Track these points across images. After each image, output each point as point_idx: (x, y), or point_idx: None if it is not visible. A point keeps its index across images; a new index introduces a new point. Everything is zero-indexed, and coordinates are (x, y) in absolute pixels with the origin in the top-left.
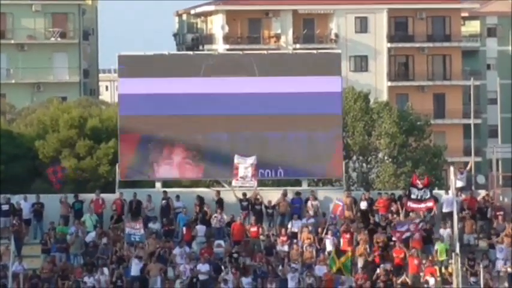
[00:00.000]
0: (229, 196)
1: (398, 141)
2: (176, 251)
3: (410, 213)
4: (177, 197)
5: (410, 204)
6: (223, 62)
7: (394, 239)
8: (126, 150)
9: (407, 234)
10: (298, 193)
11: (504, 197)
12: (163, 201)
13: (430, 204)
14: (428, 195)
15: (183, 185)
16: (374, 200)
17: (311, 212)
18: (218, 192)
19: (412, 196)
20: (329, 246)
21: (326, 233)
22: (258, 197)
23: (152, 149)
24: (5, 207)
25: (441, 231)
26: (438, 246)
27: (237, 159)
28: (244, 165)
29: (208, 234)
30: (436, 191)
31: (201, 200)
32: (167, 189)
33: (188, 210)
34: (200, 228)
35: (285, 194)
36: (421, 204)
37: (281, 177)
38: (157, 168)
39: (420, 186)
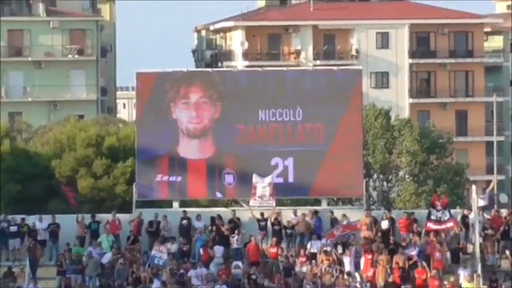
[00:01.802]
0: (246, 215)
1: (419, 159)
2: (191, 272)
3: (430, 234)
4: (198, 216)
5: (431, 225)
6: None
7: (413, 259)
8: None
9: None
10: (316, 212)
11: None
12: (184, 221)
13: (450, 224)
14: (448, 216)
15: (201, 205)
16: (395, 220)
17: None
18: (234, 211)
19: (432, 217)
20: (348, 266)
21: (342, 252)
22: (277, 216)
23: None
24: (14, 228)
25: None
26: (462, 273)
27: (255, 178)
28: (262, 185)
29: (225, 255)
30: (456, 210)
31: (218, 219)
32: (186, 209)
33: (208, 230)
34: (218, 249)
35: (304, 214)
36: (441, 226)
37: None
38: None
39: (439, 207)
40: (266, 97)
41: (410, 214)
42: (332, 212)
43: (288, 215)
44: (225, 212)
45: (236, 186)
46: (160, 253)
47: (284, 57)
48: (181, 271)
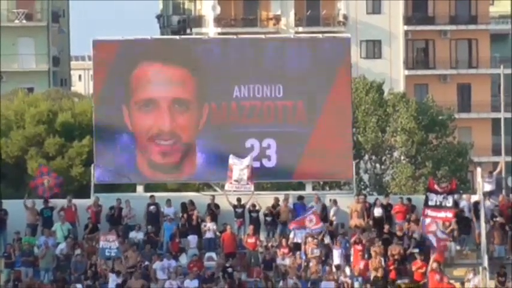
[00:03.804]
0: (221, 201)
1: (416, 138)
2: (156, 265)
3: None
4: (168, 201)
5: (428, 211)
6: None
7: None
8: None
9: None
10: (301, 197)
11: None
12: (152, 207)
13: (449, 215)
14: (450, 203)
15: (169, 188)
16: (390, 206)
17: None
18: (213, 197)
19: (430, 203)
20: (337, 259)
21: (331, 240)
22: (255, 203)
23: None
24: None
25: None
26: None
27: (231, 159)
28: (240, 167)
29: (198, 245)
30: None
31: (190, 206)
32: (154, 194)
33: (177, 217)
34: (192, 239)
35: (286, 199)
36: (440, 213)
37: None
38: None
39: (440, 190)
40: (241, 69)
41: (408, 200)
42: (319, 198)
43: (267, 201)
44: (196, 197)
45: (207, 168)
46: (109, 243)
47: (262, 23)
48: (146, 263)
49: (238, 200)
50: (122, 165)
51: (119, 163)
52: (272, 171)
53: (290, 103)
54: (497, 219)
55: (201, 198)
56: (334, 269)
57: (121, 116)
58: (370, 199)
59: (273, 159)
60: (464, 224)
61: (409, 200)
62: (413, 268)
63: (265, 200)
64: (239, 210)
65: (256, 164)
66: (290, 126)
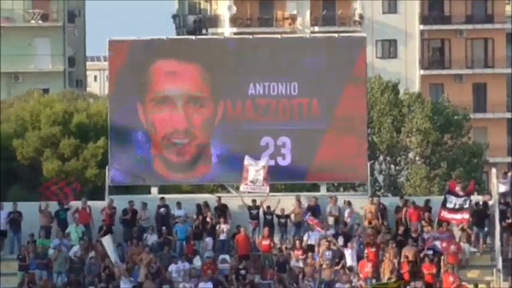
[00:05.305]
0: (235, 203)
1: (432, 138)
2: (172, 267)
3: (443, 224)
4: (178, 204)
5: (445, 214)
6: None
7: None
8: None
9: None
10: (315, 199)
11: None
12: (162, 209)
13: (466, 216)
14: (467, 205)
15: (183, 190)
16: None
17: (331, 221)
18: (219, 198)
19: (448, 205)
20: (349, 260)
21: (344, 244)
22: (270, 205)
23: None
24: None
25: None
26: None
27: (247, 160)
28: (255, 168)
29: (213, 247)
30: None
31: (205, 207)
32: (165, 195)
33: (189, 219)
34: (209, 241)
35: (298, 200)
36: (457, 215)
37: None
38: None
39: (461, 193)
40: (257, 69)
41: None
42: (336, 199)
43: (282, 202)
44: (211, 199)
45: (222, 168)
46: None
47: (278, 23)
48: (158, 265)
49: (254, 201)
50: (137, 166)
51: (134, 164)
52: (286, 170)
53: (305, 100)
54: (509, 220)
55: (215, 200)
56: (347, 271)
57: (136, 116)
58: (384, 200)
59: (288, 158)
60: (479, 217)
61: (428, 201)
62: (425, 271)
63: (283, 202)
64: (254, 211)
65: (271, 163)
66: (305, 124)
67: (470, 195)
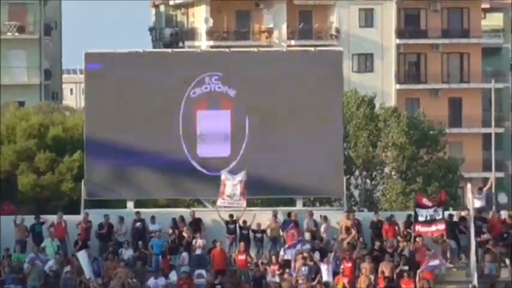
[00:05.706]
0: (211, 218)
1: (407, 153)
2: (150, 282)
3: (417, 239)
4: (152, 218)
5: (419, 228)
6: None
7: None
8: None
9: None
10: (290, 214)
11: None
12: (138, 224)
13: (441, 227)
14: (440, 216)
15: (159, 204)
16: (380, 223)
17: (307, 236)
18: (193, 212)
19: (420, 218)
20: (326, 276)
21: (320, 259)
22: (246, 219)
23: None
24: None
25: None
26: None
27: (224, 175)
28: (232, 182)
29: (189, 262)
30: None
31: (180, 222)
32: (141, 210)
33: (164, 233)
34: (185, 256)
35: (275, 215)
36: (431, 227)
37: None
38: None
39: (429, 204)
40: (233, 81)
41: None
42: (312, 214)
43: (258, 217)
44: (186, 213)
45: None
46: None
47: (254, 36)
48: (134, 280)
49: (231, 216)
50: (113, 180)
51: (110, 178)
52: (262, 184)
53: (282, 116)
54: (485, 236)
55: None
56: (323, 287)
57: (112, 130)
58: (359, 215)
59: (260, 173)
60: (453, 231)
61: (410, 216)
62: (403, 286)
63: (257, 216)
64: (231, 226)
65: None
66: (281, 138)
67: (441, 205)
